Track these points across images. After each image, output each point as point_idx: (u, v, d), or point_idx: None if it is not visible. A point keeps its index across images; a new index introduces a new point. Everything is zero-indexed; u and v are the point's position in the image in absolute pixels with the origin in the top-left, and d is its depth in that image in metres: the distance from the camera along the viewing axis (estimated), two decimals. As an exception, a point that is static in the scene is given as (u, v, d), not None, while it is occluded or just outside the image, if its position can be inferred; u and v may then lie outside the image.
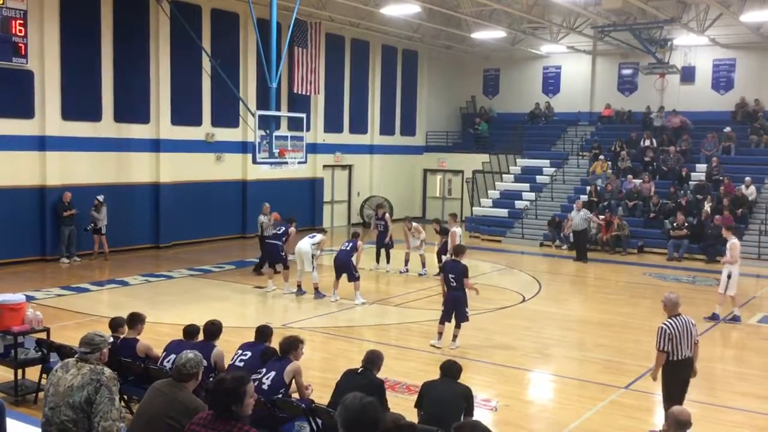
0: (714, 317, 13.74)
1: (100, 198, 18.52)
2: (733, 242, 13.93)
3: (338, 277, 14.57)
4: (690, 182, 23.83)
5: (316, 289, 14.86)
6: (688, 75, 27.88)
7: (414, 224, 18.12)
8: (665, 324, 7.69)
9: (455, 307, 11.27)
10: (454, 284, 11.24)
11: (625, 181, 24.45)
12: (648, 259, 21.10)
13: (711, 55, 27.73)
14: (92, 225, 18.51)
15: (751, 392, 9.80)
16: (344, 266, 14.46)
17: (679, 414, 5.53)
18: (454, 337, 11.36)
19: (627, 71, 29.78)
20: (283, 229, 15.60)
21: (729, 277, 13.75)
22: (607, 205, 23.47)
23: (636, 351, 11.78)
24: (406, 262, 18.07)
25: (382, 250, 18.28)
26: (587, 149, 27.42)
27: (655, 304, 14.62)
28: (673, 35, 25.90)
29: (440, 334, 11.43)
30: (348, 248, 14.70)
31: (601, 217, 22.31)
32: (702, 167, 24.42)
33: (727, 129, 25.59)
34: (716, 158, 24.04)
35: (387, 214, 18.69)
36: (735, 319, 13.74)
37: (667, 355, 7.65)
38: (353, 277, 14.43)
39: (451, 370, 6.97)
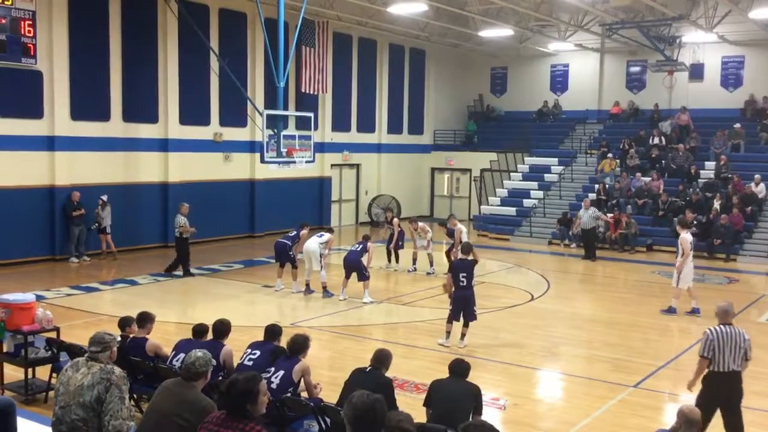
0: (671, 310, 13.93)
1: (104, 198, 18.59)
2: (683, 236, 14.08)
3: (348, 276, 14.60)
4: (699, 180, 23.73)
5: (325, 287, 14.89)
6: (696, 72, 27.77)
7: (420, 224, 18.14)
8: (710, 330, 7.29)
9: (464, 306, 11.25)
10: (464, 283, 11.21)
11: (633, 179, 24.36)
12: (657, 258, 21.02)
13: (720, 52, 27.61)
14: (96, 224, 18.58)
15: (764, 391, 9.74)
16: (354, 266, 14.52)
17: (690, 413, 5.50)
18: (462, 335, 11.35)
19: (635, 69, 29.68)
20: (295, 232, 15.63)
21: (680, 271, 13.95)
22: (615, 203, 23.39)
23: (645, 349, 11.76)
24: (414, 261, 18.08)
25: (392, 249, 18.36)
26: (595, 147, 27.35)
27: (664, 303, 14.63)
28: (682, 32, 25.78)
29: (448, 333, 11.42)
30: (358, 249, 14.76)
31: (610, 215, 22.25)
32: (711, 165, 24.30)
33: (737, 125, 25.47)
34: (725, 156, 23.93)
35: (396, 219, 18.73)
36: (694, 311, 13.83)
37: (708, 362, 7.25)
38: (363, 277, 14.50)
39: (459, 368, 6.97)
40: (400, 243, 18.29)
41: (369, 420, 3.79)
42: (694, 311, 13.81)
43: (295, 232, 15.63)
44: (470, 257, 11.58)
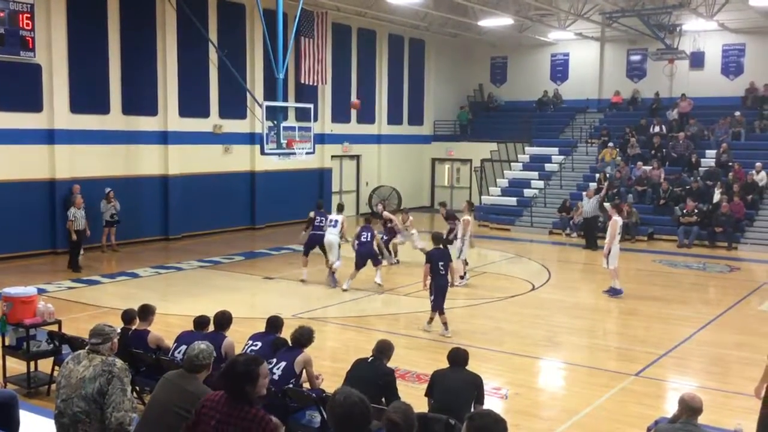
0: (613, 291, 14.61)
1: (109, 191, 18.59)
2: (613, 219, 14.65)
3: (359, 267, 14.73)
4: (700, 168, 23.68)
5: (333, 272, 15.03)
6: (697, 60, 27.71)
7: (411, 218, 18.18)
8: None
9: (443, 295, 11.43)
10: (443, 272, 11.41)
11: (634, 168, 24.32)
12: (658, 246, 21.00)
13: (720, 40, 27.54)
14: (112, 216, 18.63)
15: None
16: (369, 255, 14.84)
17: (691, 400, 5.51)
18: (445, 325, 11.44)
19: (636, 57, 29.61)
20: (334, 220, 15.35)
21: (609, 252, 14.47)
22: (616, 192, 23.36)
23: (647, 338, 11.77)
24: (395, 253, 17.98)
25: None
26: (596, 136, 27.30)
27: (665, 291, 14.62)
28: (682, 20, 25.68)
29: (431, 319, 11.62)
30: (368, 239, 14.89)
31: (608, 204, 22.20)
32: (712, 153, 24.26)
33: (737, 113, 25.40)
34: (726, 144, 23.88)
35: (386, 212, 18.49)
36: (616, 291, 14.50)
37: None
38: (377, 261, 15.09)
39: (458, 357, 6.95)
40: (390, 236, 18.12)
41: (350, 422, 3.69)
42: (615, 291, 14.51)
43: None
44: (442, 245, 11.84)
